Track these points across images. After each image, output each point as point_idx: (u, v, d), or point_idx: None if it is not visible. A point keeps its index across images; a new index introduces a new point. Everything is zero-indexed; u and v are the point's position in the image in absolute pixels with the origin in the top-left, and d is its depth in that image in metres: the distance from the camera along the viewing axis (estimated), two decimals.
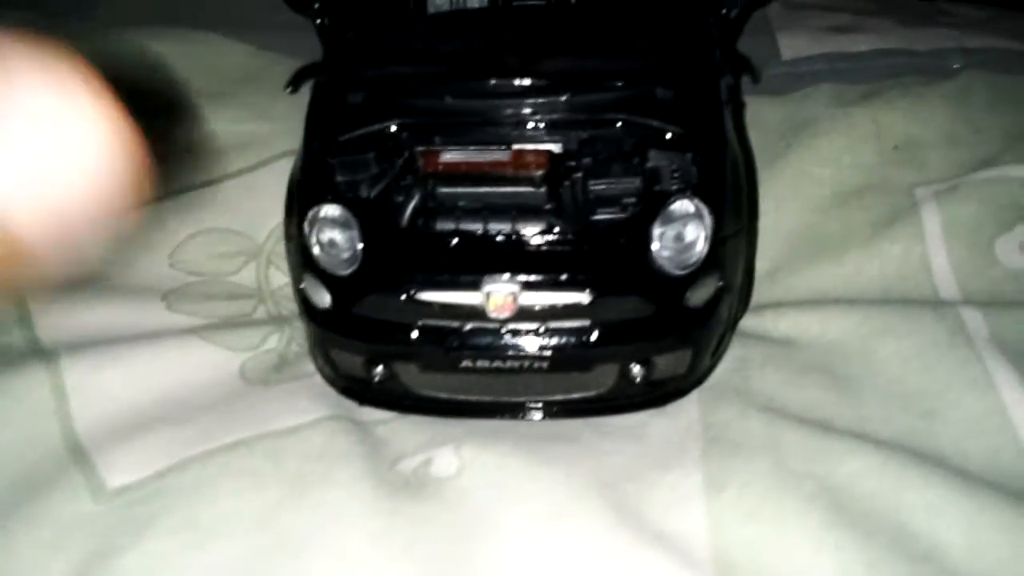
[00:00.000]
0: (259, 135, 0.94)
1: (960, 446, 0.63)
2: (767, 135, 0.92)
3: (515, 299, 0.63)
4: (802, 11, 1.13)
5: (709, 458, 0.63)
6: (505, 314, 0.64)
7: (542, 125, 0.70)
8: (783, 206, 0.86)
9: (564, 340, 0.65)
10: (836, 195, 0.85)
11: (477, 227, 0.66)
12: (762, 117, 0.95)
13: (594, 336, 0.65)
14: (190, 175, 0.91)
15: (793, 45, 1.04)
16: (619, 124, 0.70)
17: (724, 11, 0.81)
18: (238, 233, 0.86)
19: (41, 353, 0.72)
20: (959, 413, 0.65)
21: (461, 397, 0.68)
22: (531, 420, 0.68)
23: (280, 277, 0.82)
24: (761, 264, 0.83)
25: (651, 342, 0.66)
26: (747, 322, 0.78)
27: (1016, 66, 0.96)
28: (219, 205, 0.88)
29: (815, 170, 0.87)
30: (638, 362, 0.67)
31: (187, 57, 1.00)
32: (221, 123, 0.95)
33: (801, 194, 0.86)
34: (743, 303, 0.77)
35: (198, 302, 0.80)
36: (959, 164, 0.86)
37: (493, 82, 0.70)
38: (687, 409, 0.69)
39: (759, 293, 0.81)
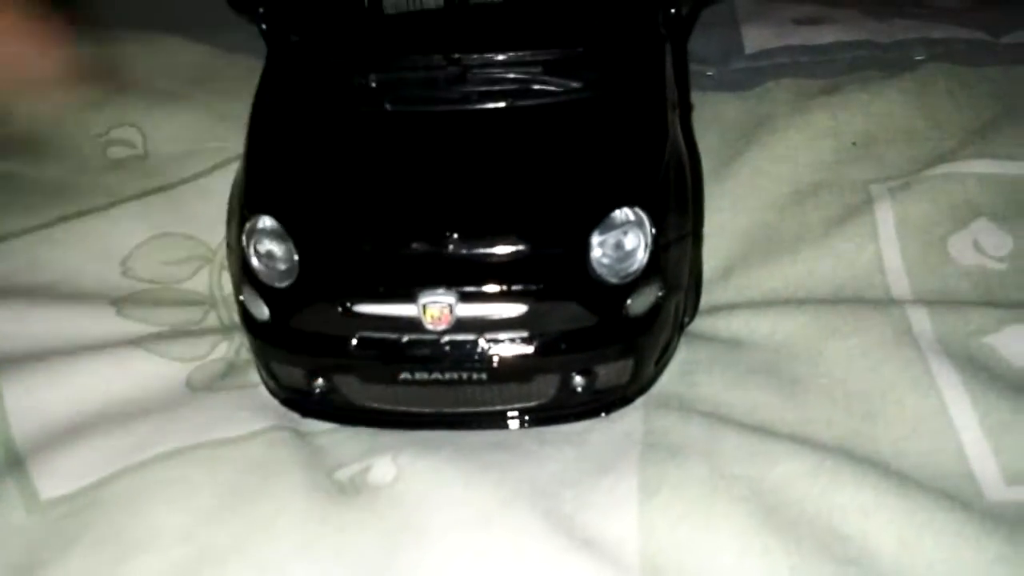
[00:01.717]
0: (216, 138, 0.93)
1: (899, 447, 0.62)
2: (727, 132, 0.92)
3: (452, 310, 0.63)
4: (769, 2, 1.12)
5: (646, 463, 0.63)
6: (442, 326, 0.63)
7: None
8: (739, 204, 0.85)
9: (503, 351, 0.64)
10: (792, 193, 0.85)
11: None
12: (722, 113, 0.94)
13: (533, 347, 0.64)
14: (145, 180, 0.91)
15: (757, 38, 1.04)
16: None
17: (673, 10, 0.80)
18: (192, 238, 0.86)
19: None
20: (901, 414, 0.64)
21: (401, 409, 0.68)
22: (470, 431, 0.67)
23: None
24: (715, 263, 0.82)
25: (592, 352, 0.66)
26: (699, 324, 0.77)
27: (979, 57, 0.95)
28: (173, 210, 0.88)
29: (772, 167, 0.86)
30: (579, 372, 0.66)
31: (143, 59, 1.00)
32: (178, 126, 0.95)
33: (758, 192, 0.86)
34: (691, 308, 0.76)
35: (149, 309, 0.79)
36: (916, 160, 0.85)
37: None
38: (630, 414, 0.68)
39: (712, 293, 0.80)
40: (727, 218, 0.84)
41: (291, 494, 0.62)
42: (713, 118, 0.93)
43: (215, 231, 0.85)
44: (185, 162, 0.92)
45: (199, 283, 0.83)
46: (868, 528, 0.57)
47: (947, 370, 0.66)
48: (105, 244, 0.84)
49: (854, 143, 0.87)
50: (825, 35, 1.01)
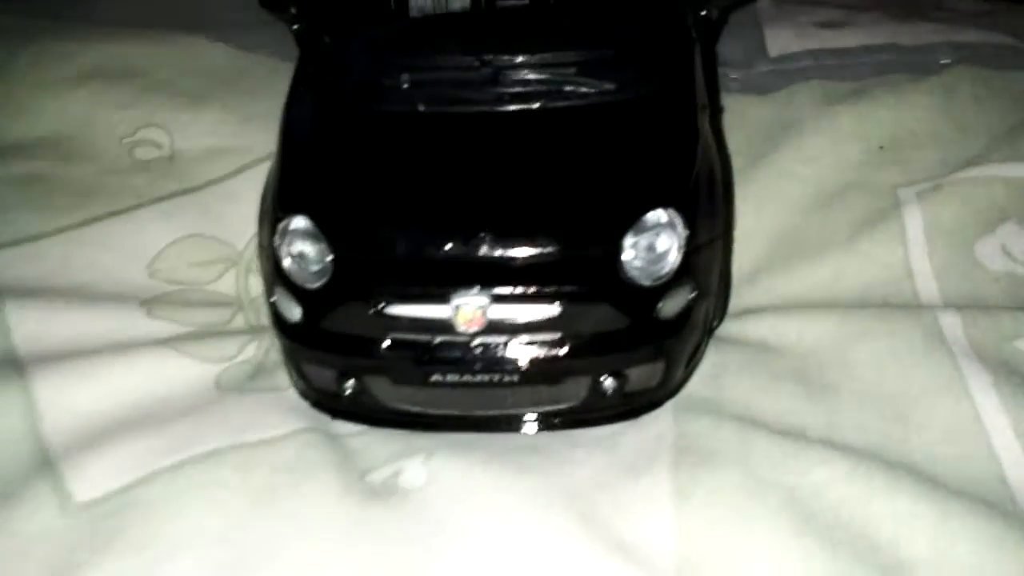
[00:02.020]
0: (241, 139, 0.94)
1: (932, 452, 0.62)
2: (752, 134, 0.91)
3: (484, 312, 0.63)
4: (791, 6, 1.12)
5: (679, 467, 0.63)
6: (474, 328, 0.64)
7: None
8: (765, 207, 0.85)
9: (535, 353, 0.64)
10: (819, 195, 0.85)
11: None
12: (747, 116, 0.94)
13: (564, 349, 0.64)
14: (172, 181, 0.91)
15: (780, 41, 1.03)
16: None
17: (704, 13, 0.80)
18: (218, 240, 0.86)
19: (15, 364, 0.72)
20: (932, 419, 0.64)
21: (432, 411, 0.68)
22: (501, 433, 0.68)
23: (260, 285, 0.82)
24: (742, 266, 0.82)
25: (623, 354, 0.66)
26: (726, 327, 0.77)
27: (1005, 61, 0.94)
28: (200, 212, 0.88)
29: (799, 169, 0.86)
30: (610, 375, 0.66)
31: (170, 60, 1.00)
32: (204, 127, 0.95)
33: (784, 194, 0.86)
34: (720, 311, 0.76)
35: (178, 310, 0.80)
36: (943, 163, 0.85)
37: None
38: (660, 419, 0.68)
39: (739, 296, 0.80)
40: (753, 221, 0.84)
41: (325, 496, 0.62)
42: (738, 121, 0.93)
43: (241, 233, 0.86)
44: (211, 163, 0.92)
45: (226, 285, 0.83)
46: (903, 534, 0.57)
47: (979, 374, 0.66)
48: (134, 245, 0.85)
49: (881, 146, 0.87)
50: (849, 38, 1.01)
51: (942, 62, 0.96)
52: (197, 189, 0.90)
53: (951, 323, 0.70)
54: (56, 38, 1.03)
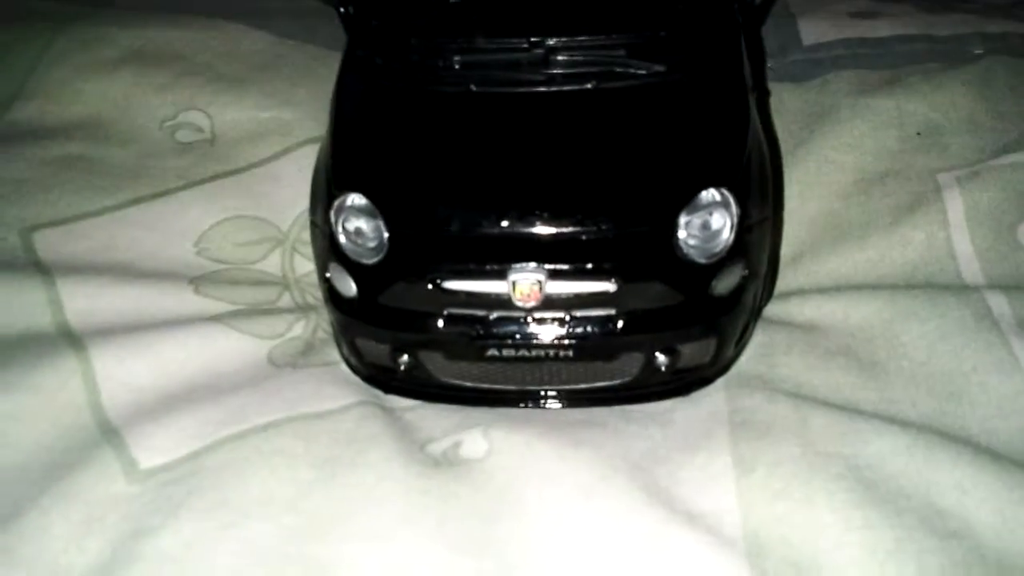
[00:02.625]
0: (281, 122, 0.95)
1: (988, 426, 0.63)
2: (789, 122, 0.92)
3: (541, 287, 0.64)
4: None
5: (737, 441, 0.63)
6: (531, 303, 0.64)
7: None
8: (806, 193, 0.86)
9: (589, 329, 0.65)
10: (858, 181, 0.85)
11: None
12: (783, 104, 0.95)
13: (619, 325, 0.65)
14: (214, 163, 0.92)
15: (814, 31, 1.04)
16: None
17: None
18: (263, 221, 0.87)
19: (71, 338, 0.72)
20: (986, 395, 0.65)
21: (486, 386, 0.68)
22: (555, 408, 0.68)
23: (305, 264, 0.82)
24: (785, 251, 0.83)
25: (676, 331, 0.67)
26: (771, 309, 0.78)
27: None
28: (243, 193, 0.89)
29: (837, 157, 0.87)
30: (663, 351, 0.67)
31: (209, 45, 1.01)
32: (244, 111, 0.96)
33: (824, 181, 0.86)
34: (767, 291, 0.77)
35: (226, 288, 0.80)
36: (981, 149, 0.86)
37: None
38: (712, 395, 0.69)
39: (783, 279, 0.81)
40: (794, 206, 0.85)
41: (388, 465, 0.62)
42: (775, 108, 0.94)
43: (285, 214, 0.87)
44: (252, 146, 0.93)
45: (271, 264, 0.84)
46: (967, 503, 0.58)
47: None
48: (179, 225, 0.85)
49: (918, 133, 0.88)
50: (882, 28, 1.02)
51: (975, 52, 0.97)
52: (239, 171, 0.91)
53: (998, 303, 0.71)
54: (95, 23, 1.03)
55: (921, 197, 0.82)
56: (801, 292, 0.79)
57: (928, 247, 0.79)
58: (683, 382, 0.70)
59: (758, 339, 0.74)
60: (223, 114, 0.95)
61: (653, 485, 0.61)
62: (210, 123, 0.95)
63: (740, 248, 0.67)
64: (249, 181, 0.90)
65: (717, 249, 0.66)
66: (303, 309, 0.80)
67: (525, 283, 0.64)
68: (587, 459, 0.63)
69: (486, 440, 0.65)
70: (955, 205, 0.81)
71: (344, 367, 0.73)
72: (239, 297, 0.80)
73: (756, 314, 0.74)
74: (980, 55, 0.96)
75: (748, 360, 0.73)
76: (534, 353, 0.66)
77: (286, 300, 0.81)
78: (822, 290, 0.78)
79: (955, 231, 0.79)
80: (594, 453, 0.63)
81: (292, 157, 0.91)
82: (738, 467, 0.61)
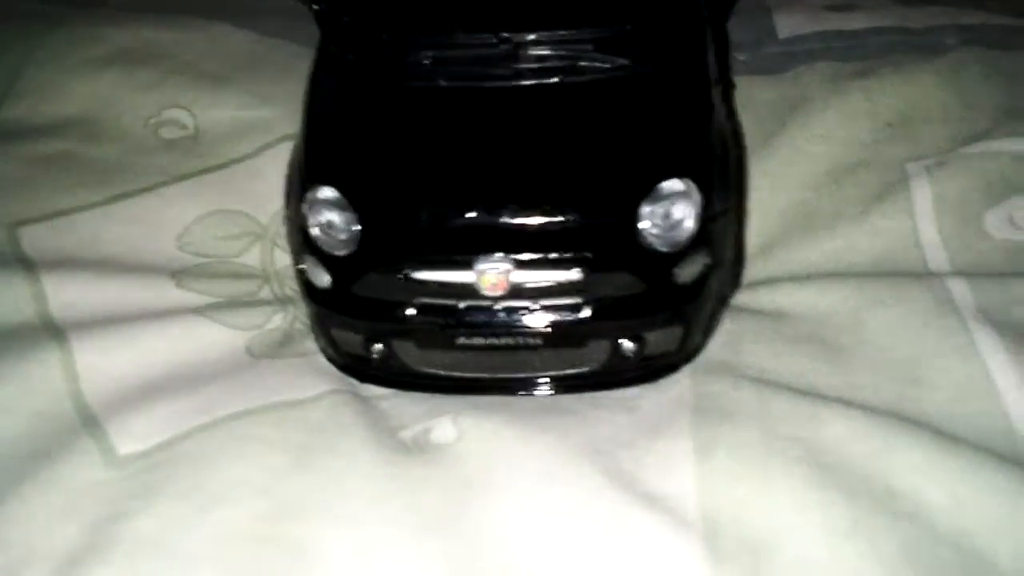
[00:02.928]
0: (262, 119, 0.96)
1: (947, 411, 0.65)
2: (762, 114, 0.94)
3: (508, 277, 0.65)
4: None
5: (699, 427, 0.65)
6: (499, 292, 0.66)
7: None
8: (777, 183, 0.87)
9: (557, 317, 0.67)
10: (830, 172, 0.87)
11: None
12: (757, 96, 0.96)
13: (586, 313, 0.67)
14: (197, 160, 0.93)
15: (789, 23, 1.05)
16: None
17: None
18: (243, 215, 0.88)
19: (53, 331, 0.74)
20: (946, 380, 0.67)
21: (458, 374, 0.70)
22: (526, 395, 0.70)
23: (284, 258, 0.84)
24: (755, 240, 0.84)
25: (642, 319, 0.68)
26: (741, 297, 0.80)
27: (1011, 41, 0.97)
28: (225, 188, 0.90)
29: (809, 147, 0.89)
30: (630, 338, 0.68)
31: (192, 44, 1.03)
32: (226, 108, 0.97)
33: (795, 171, 0.88)
34: (734, 280, 0.78)
35: (206, 281, 0.82)
36: (950, 139, 0.87)
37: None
38: (679, 382, 0.70)
39: (753, 269, 0.83)
40: (765, 196, 0.87)
41: (360, 452, 0.64)
42: (747, 101, 0.95)
43: (266, 208, 0.88)
44: (234, 142, 0.94)
45: (252, 258, 0.86)
46: (922, 485, 0.59)
47: (989, 337, 0.68)
48: (162, 220, 0.87)
49: (889, 123, 0.90)
50: (857, 21, 1.03)
51: (948, 43, 0.98)
52: (221, 167, 0.92)
53: (960, 289, 0.73)
54: (82, 22, 1.05)
55: (890, 186, 0.84)
56: (771, 281, 0.80)
57: (895, 236, 0.80)
58: (650, 369, 0.71)
59: (727, 327, 0.76)
60: (206, 111, 0.97)
61: (615, 469, 0.62)
62: (193, 120, 0.96)
63: (703, 237, 0.68)
64: (231, 177, 0.92)
65: (680, 238, 0.67)
66: (282, 301, 0.81)
67: (492, 273, 0.66)
68: (553, 445, 0.64)
69: (455, 427, 0.66)
70: (923, 194, 0.82)
71: (321, 357, 0.74)
72: (219, 290, 0.81)
73: (724, 302, 0.76)
74: (954, 46, 0.97)
75: (716, 347, 0.74)
76: (503, 341, 0.68)
77: (265, 292, 0.82)
78: (792, 278, 0.80)
79: (921, 220, 0.81)
80: (560, 439, 0.65)
81: (273, 153, 0.92)
82: (699, 452, 0.63)
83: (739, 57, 1.02)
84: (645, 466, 0.63)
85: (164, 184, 0.90)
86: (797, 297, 0.77)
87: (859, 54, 0.98)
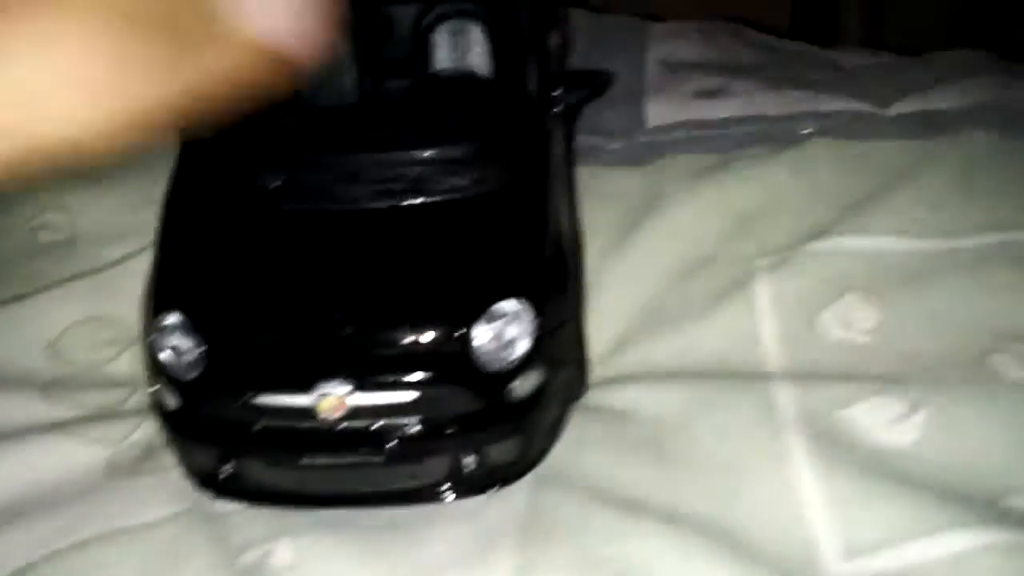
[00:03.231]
0: (141, 220, 0.97)
1: (754, 523, 0.68)
2: (623, 207, 0.97)
3: (346, 400, 0.68)
4: (681, 72, 1.18)
5: (523, 545, 0.68)
6: (337, 414, 0.69)
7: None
8: (632, 279, 0.91)
9: (394, 436, 0.70)
10: (681, 269, 0.90)
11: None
12: (621, 188, 1.00)
13: (424, 431, 0.70)
14: (73, 263, 0.95)
15: (659, 112, 1.10)
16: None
17: (557, 109, 0.86)
18: (117, 321, 0.90)
19: None
20: (758, 490, 0.70)
21: (305, 490, 0.73)
22: (370, 509, 0.73)
23: None
24: (610, 336, 0.88)
25: (479, 434, 0.71)
26: (594, 396, 0.83)
27: (864, 131, 1.00)
28: (102, 293, 0.92)
29: (662, 244, 0.92)
30: (469, 453, 0.71)
31: None
32: (104, 209, 0.99)
33: (649, 267, 0.91)
34: (580, 384, 0.81)
35: (74, 392, 0.84)
36: (795, 235, 0.91)
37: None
38: (519, 491, 0.73)
39: (608, 366, 0.86)
40: (622, 293, 0.90)
41: None
42: (613, 192, 0.99)
43: (137, 314, 0.90)
44: (113, 245, 0.97)
45: (122, 365, 0.88)
46: None
47: (801, 446, 0.71)
48: (35, 328, 0.89)
49: (740, 219, 0.93)
50: (720, 109, 1.07)
51: (803, 132, 1.02)
52: (98, 271, 0.94)
53: (784, 394, 0.76)
54: None
55: (735, 284, 0.87)
56: (622, 380, 0.84)
57: (736, 335, 0.84)
58: (492, 480, 0.74)
59: (576, 428, 0.79)
60: (84, 213, 0.99)
61: None
62: (71, 222, 0.98)
63: (540, 353, 0.72)
64: (107, 280, 0.94)
65: (513, 356, 0.71)
66: (148, 410, 0.83)
67: (330, 396, 0.68)
68: (383, 568, 0.67)
69: (294, 549, 0.69)
70: (763, 292, 0.86)
71: (179, 472, 0.77)
72: (87, 401, 0.83)
73: (569, 407, 0.79)
74: (808, 135, 1.01)
75: (562, 452, 0.77)
76: (346, 460, 0.71)
77: (133, 402, 0.84)
78: (642, 377, 0.83)
79: (760, 319, 0.84)
80: (392, 561, 0.68)
81: (150, 255, 0.94)
82: (517, 572, 0.66)
83: (609, 146, 1.06)
84: None
85: (40, 290, 0.92)
86: (642, 399, 0.80)
87: (719, 145, 1.02)
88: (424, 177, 0.77)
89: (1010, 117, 0.99)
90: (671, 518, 0.69)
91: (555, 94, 0.88)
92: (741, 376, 0.80)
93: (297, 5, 0.26)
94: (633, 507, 0.70)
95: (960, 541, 0.63)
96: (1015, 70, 1.16)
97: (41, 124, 0.24)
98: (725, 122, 1.05)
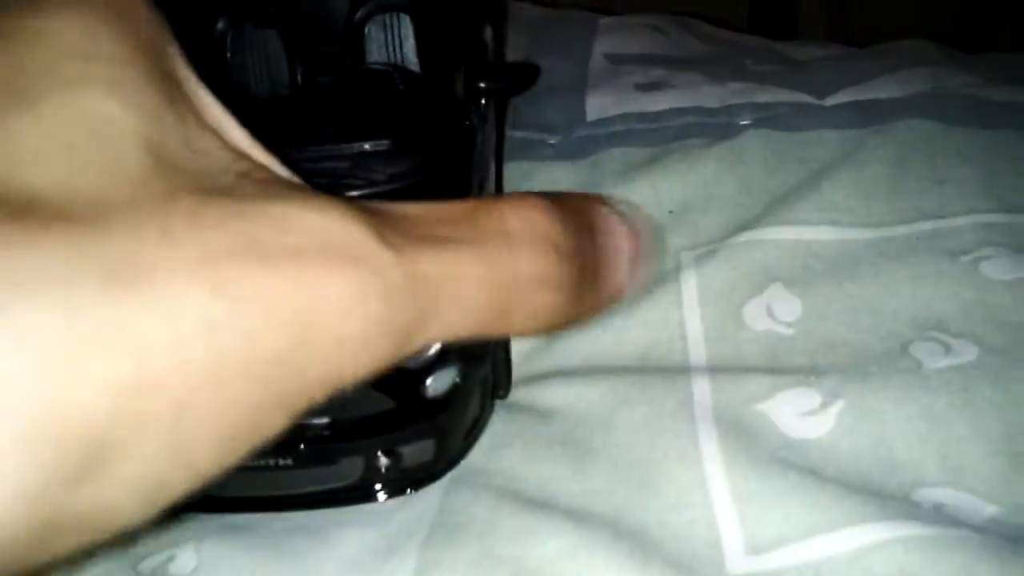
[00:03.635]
0: None
1: (663, 519, 0.66)
2: None
3: None
4: (625, 64, 1.18)
5: (428, 545, 0.67)
6: None
7: None
8: None
9: (306, 437, 0.69)
10: None
11: None
12: (558, 183, 0.99)
13: (335, 432, 0.69)
14: None
15: (599, 105, 1.09)
16: None
17: (483, 102, 0.85)
18: None
19: None
20: (668, 485, 0.68)
21: (216, 494, 0.72)
22: (282, 512, 0.72)
23: None
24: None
25: (393, 434, 0.70)
26: (518, 393, 0.82)
27: (799, 122, 1.00)
28: None
29: None
30: (383, 453, 0.71)
31: None
32: None
33: None
34: (505, 382, 0.80)
35: None
36: (724, 227, 0.90)
37: None
38: (432, 492, 0.72)
39: (534, 362, 0.85)
40: None
41: None
42: (548, 188, 0.98)
43: None
44: None
45: None
46: None
47: (712, 440, 0.70)
48: None
49: (670, 211, 0.93)
50: (660, 101, 1.06)
51: (741, 123, 1.01)
52: None
53: (702, 387, 0.75)
54: None
55: (663, 276, 0.87)
56: (546, 376, 0.83)
57: (662, 328, 0.83)
58: (409, 480, 0.73)
59: (496, 428, 0.78)
60: None
61: None
62: None
63: (452, 351, 0.70)
64: None
65: (426, 354, 0.70)
66: None
67: None
68: (288, 571, 0.66)
69: (196, 555, 0.68)
70: (690, 285, 0.85)
71: None
72: None
73: (489, 405, 0.78)
74: (746, 126, 1.00)
75: (478, 452, 0.76)
76: (257, 463, 0.70)
77: None
78: (565, 373, 0.82)
79: (688, 311, 0.83)
80: (293, 566, 0.67)
81: None
82: (416, 573, 0.65)
83: (549, 140, 1.05)
84: None
85: None
86: (563, 395, 0.79)
87: (655, 138, 1.01)
88: (344, 172, 0.76)
89: (946, 105, 0.98)
90: (578, 515, 0.68)
91: (482, 86, 0.87)
92: (664, 370, 0.79)
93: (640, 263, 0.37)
94: (542, 506, 0.69)
95: (865, 535, 0.62)
96: (962, 60, 1.15)
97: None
98: (663, 114, 1.04)
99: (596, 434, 0.75)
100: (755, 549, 0.64)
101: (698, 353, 0.81)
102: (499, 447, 0.76)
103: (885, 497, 0.65)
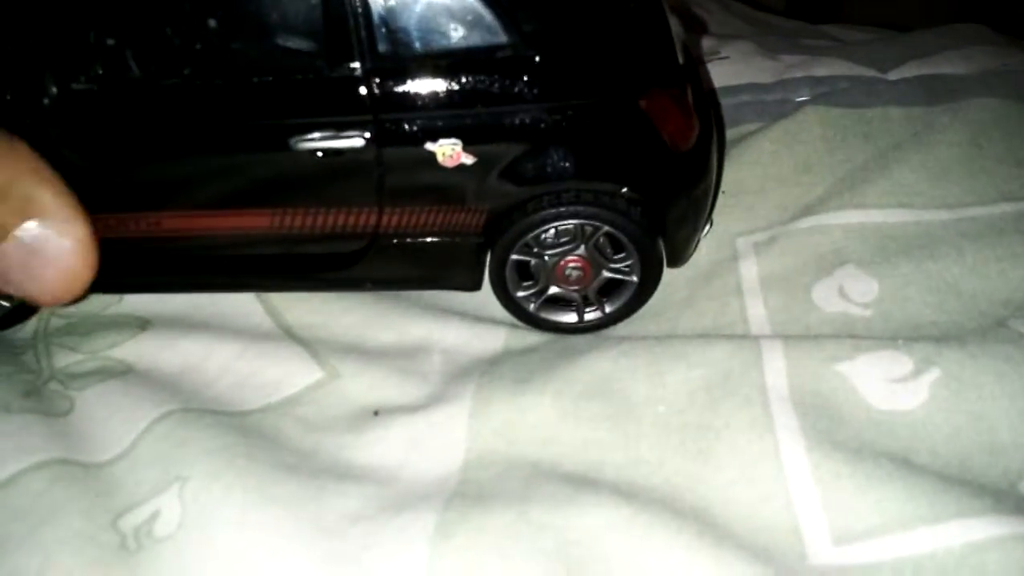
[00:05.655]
0: None
1: (728, 493, 0.57)
2: None
3: None
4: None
5: (451, 505, 0.57)
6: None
7: None
8: None
9: None
10: None
11: None
12: None
13: None
14: None
15: None
16: None
17: None
18: None
19: None
20: (734, 456, 0.59)
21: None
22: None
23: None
24: None
25: None
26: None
27: (860, 98, 0.91)
28: None
29: None
30: None
31: None
32: None
33: None
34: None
35: None
36: (784, 209, 0.81)
37: None
38: (454, 455, 0.63)
39: None
40: None
41: (60, 548, 0.55)
42: None
43: None
44: None
45: None
46: None
47: (787, 411, 0.60)
48: None
49: (723, 191, 0.84)
50: (716, 76, 0.99)
51: (798, 100, 0.93)
52: None
53: (772, 349, 0.65)
54: None
55: (718, 266, 0.78)
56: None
57: (721, 314, 0.73)
58: None
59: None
60: None
61: (338, 551, 0.55)
62: None
63: None
64: None
65: None
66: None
67: None
68: (271, 524, 0.56)
69: (180, 503, 0.58)
70: (750, 272, 0.76)
71: (62, 416, 0.66)
72: None
73: None
74: (803, 102, 0.92)
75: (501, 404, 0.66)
76: None
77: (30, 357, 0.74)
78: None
79: (749, 297, 0.74)
80: (283, 515, 0.57)
81: None
82: (439, 531, 0.55)
83: None
84: (375, 545, 0.56)
85: None
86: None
87: None
88: None
89: (1016, 83, 0.90)
90: (628, 487, 0.58)
91: None
92: (728, 337, 0.69)
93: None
94: (585, 473, 0.59)
95: (979, 530, 0.52)
96: (1016, 42, 1.07)
97: None
98: (719, 91, 0.96)
99: (639, 384, 0.64)
100: (843, 539, 0.53)
101: (761, 329, 0.71)
102: (523, 395, 0.66)
103: (989, 488, 0.55)
